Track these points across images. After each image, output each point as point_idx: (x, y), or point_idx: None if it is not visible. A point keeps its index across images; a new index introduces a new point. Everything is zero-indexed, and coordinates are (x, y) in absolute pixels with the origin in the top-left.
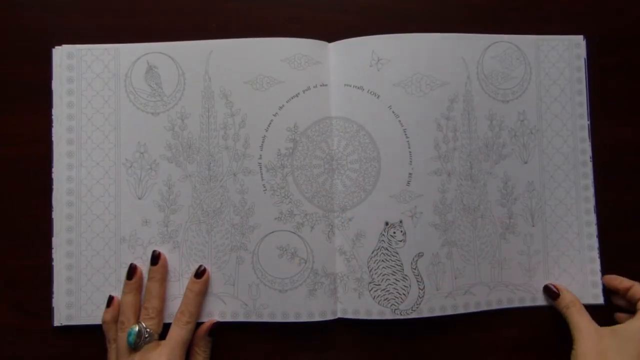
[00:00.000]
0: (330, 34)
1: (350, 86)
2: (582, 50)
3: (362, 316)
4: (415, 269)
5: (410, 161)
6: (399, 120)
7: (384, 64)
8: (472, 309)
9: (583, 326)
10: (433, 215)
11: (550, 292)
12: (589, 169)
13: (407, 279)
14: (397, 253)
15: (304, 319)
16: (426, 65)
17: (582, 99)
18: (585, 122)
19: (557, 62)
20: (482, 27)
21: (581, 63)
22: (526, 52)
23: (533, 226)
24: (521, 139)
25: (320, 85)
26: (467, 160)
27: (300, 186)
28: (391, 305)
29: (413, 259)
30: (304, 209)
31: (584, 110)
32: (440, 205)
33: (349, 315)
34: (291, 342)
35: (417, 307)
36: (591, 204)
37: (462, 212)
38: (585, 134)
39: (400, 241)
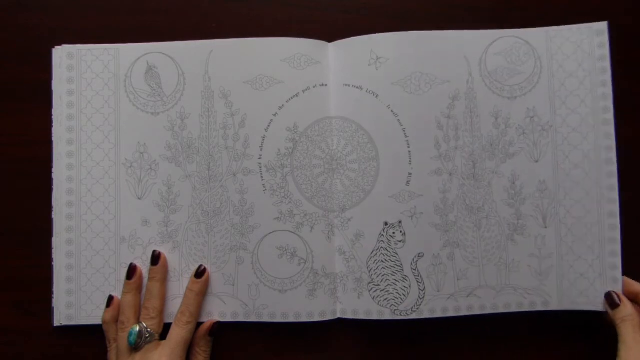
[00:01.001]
0: (330, 34)
1: (350, 86)
2: (604, 38)
3: (362, 316)
4: (415, 269)
5: (410, 161)
6: (398, 120)
7: (382, 63)
8: (476, 311)
9: (631, 342)
10: (434, 215)
11: (611, 301)
12: (614, 167)
13: (406, 280)
14: (397, 253)
15: (303, 319)
16: (425, 63)
17: (607, 90)
18: (611, 116)
19: (574, 54)
20: (484, 27)
21: (605, 52)
22: (535, 45)
23: (545, 228)
24: (531, 137)
25: (320, 85)
26: (469, 160)
27: (300, 186)
28: (391, 306)
29: (413, 260)
30: (304, 209)
31: (608, 103)
32: (441, 205)
33: (349, 316)
34: (291, 342)
35: (418, 308)
36: (616, 206)
37: (464, 213)
38: (610, 128)
39: (400, 241)
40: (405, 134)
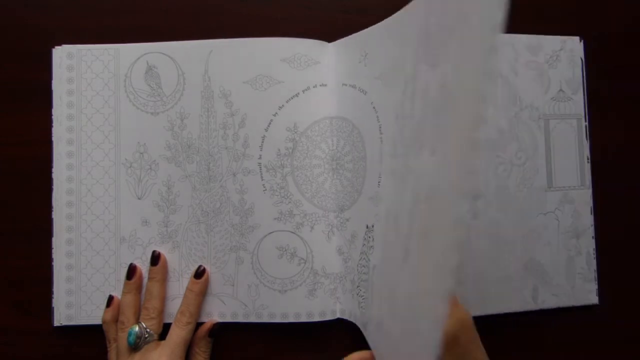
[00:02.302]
0: (330, 34)
1: (347, 85)
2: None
3: (352, 319)
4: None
5: (381, 160)
6: (377, 116)
7: (370, 59)
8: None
9: None
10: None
11: None
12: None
13: None
14: (370, 260)
15: (303, 319)
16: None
17: None
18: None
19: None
20: None
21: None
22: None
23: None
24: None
25: (320, 85)
26: None
27: (300, 186)
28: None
29: (372, 269)
30: (304, 209)
31: None
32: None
33: (348, 316)
34: (291, 343)
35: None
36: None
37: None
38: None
39: (371, 247)
40: (380, 131)
